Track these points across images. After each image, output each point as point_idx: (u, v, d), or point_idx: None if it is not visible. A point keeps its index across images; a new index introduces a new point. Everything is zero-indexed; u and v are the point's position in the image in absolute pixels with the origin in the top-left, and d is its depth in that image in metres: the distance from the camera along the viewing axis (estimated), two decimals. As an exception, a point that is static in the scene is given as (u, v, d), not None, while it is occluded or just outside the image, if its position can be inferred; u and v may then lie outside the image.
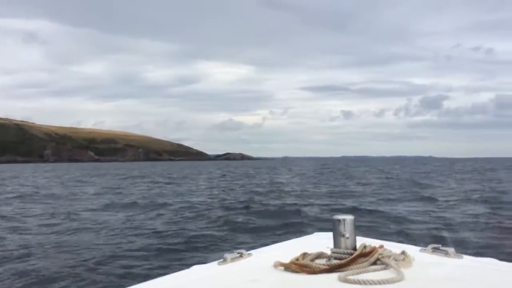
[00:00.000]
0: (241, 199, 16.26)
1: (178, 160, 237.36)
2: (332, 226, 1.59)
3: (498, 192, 19.00)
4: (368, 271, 1.46)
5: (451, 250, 1.65)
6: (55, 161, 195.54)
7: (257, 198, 17.09)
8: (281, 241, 2.16)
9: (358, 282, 1.35)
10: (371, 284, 1.34)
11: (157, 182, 30.70)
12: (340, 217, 1.57)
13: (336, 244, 1.58)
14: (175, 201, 16.65)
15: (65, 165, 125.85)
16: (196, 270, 1.68)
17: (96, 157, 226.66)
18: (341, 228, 1.56)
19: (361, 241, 1.61)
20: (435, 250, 1.69)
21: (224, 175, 41.71)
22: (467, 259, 1.60)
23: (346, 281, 1.38)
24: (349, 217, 1.57)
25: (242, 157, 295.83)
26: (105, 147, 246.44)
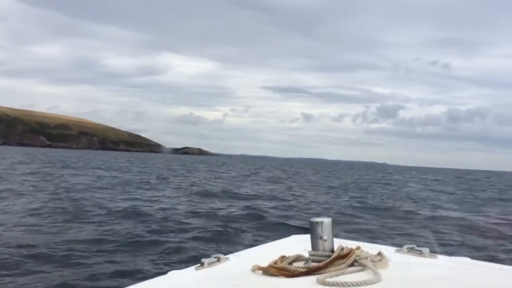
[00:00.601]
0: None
1: (135, 151, 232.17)
2: (309, 229, 1.57)
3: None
4: (346, 273, 1.46)
5: (425, 250, 1.67)
6: (3, 144, 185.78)
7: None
8: (258, 244, 2.13)
9: (337, 285, 1.35)
10: (349, 286, 1.34)
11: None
12: (318, 219, 1.55)
13: (314, 246, 1.56)
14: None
15: (14, 149, 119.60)
16: (173, 275, 1.62)
17: (48, 142, 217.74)
18: (319, 230, 1.54)
19: (338, 243, 1.60)
20: (410, 250, 1.71)
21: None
22: (442, 259, 1.63)
23: (324, 283, 1.37)
24: (326, 220, 1.55)
25: (201, 152, 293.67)
26: (58, 133, 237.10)
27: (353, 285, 1.34)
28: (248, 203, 14.35)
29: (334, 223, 1.58)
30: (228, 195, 17.42)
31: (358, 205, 15.85)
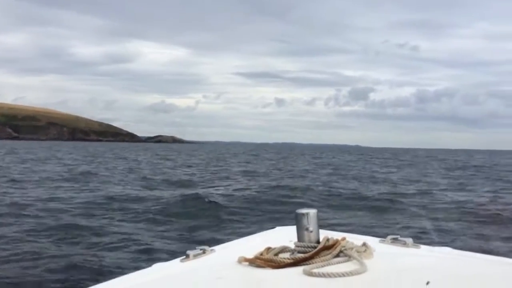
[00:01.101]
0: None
1: (106, 141, 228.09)
2: (295, 220, 1.56)
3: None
4: (332, 264, 1.45)
5: (409, 240, 1.69)
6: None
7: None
8: (243, 236, 2.12)
9: (323, 275, 1.35)
10: (335, 276, 1.34)
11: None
12: (304, 211, 1.55)
13: (300, 237, 1.56)
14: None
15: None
16: (158, 268, 1.61)
17: (15, 134, 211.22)
18: (305, 221, 1.53)
19: (324, 234, 1.59)
20: (394, 240, 1.73)
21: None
22: (425, 249, 1.65)
23: (310, 274, 1.37)
24: (312, 211, 1.55)
25: (174, 140, 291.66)
26: (25, 124, 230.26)
27: (339, 276, 1.34)
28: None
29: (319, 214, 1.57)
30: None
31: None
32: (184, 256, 1.67)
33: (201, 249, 1.73)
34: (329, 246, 1.53)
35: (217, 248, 1.82)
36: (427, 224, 9.26)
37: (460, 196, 14.27)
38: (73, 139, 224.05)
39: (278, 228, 2.18)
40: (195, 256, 1.68)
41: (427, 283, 1.23)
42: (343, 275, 1.34)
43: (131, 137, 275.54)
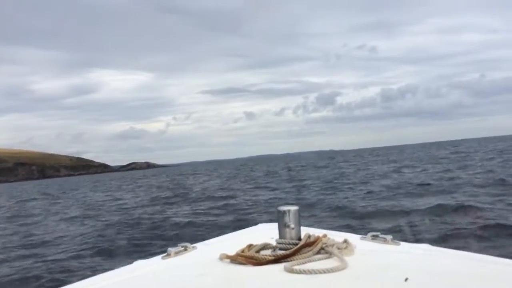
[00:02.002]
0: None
1: (78, 174, 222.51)
2: (276, 217, 1.59)
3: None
4: (313, 260, 1.48)
5: (389, 237, 1.72)
6: None
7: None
8: (225, 233, 2.14)
9: (304, 272, 1.37)
10: (316, 273, 1.36)
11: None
12: (285, 208, 1.58)
13: (281, 234, 1.59)
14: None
15: None
16: (139, 265, 1.62)
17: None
18: (286, 218, 1.56)
19: (305, 231, 1.63)
20: (375, 237, 1.76)
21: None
22: (404, 246, 1.68)
23: (292, 271, 1.39)
24: (293, 208, 1.58)
25: (148, 165, 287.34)
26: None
27: (320, 272, 1.36)
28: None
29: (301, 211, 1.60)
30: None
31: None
32: (166, 253, 1.68)
33: (182, 246, 1.75)
34: (310, 243, 1.57)
35: (198, 245, 1.84)
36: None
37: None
38: (44, 177, 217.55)
39: (260, 225, 2.21)
40: (177, 253, 1.70)
41: (406, 279, 1.27)
42: (324, 271, 1.37)
43: (103, 168, 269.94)
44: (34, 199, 29.73)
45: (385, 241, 1.72)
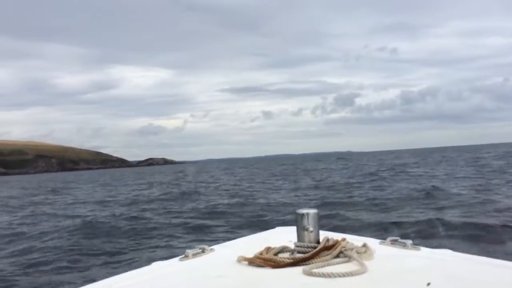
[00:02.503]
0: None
1: (97, 168, 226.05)
2: (295, 220, 1.59)
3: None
4: (332, 264, 1.47)
5: (408, 242, 1.69)
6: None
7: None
8: (243, 236, 2.14)
9: (323, 275, 1.36)
10: (335, 276, 1.35)
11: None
12: (304, 211, 1.57)
13: (300, 238, 1.58)
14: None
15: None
16: (157, 266, 1.63)
17: (3, 170, 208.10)
18: (305, 222, 1.55)
19: (323, 234, 1.61)
20: (394, 242, 1.73)
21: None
22: (425, 251, 1.65)
23: (311, 274, 1.38)
24: (312, 211, 1.57)
25: (165, 161, 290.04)
26: (13, 159, 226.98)
27: (339, 276, 1.35)
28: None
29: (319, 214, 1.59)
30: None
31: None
32: (183, 255, 1.69)
33: (200, 248, 1.75)
34: (329, 247, 1.55)
35: (216, 247, 1.84)
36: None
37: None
38: (63, 169, 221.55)
39: (278, 228, 2.20)
40: (194, 255, 1.71)
41: (428, 284, 1.24)
42: (343, 275, 1.35)
43: (121, 163, 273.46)
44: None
45: (405, 246, 1.69)
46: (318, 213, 1.58)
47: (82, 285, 1.47)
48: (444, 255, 1.60)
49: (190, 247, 1.76)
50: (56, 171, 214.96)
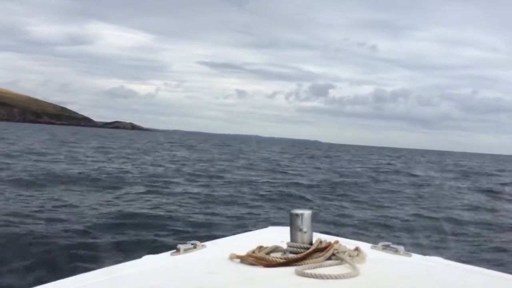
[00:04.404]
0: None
1: (60, 124, 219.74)
2: (289, 220, 1.56)
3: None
4: (324, 266, 1.46)
5: (400, 248, 1.70)
6: None
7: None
8: (235, 233, 2.13)
9: (315, 276, 1.35)
10: (327, 278, 1.34)
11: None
12: (298, 211, 1.54)
13: (293, 238, 1.55)
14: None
15: None
16: (148, 260, 1.60)
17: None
18: (299, 222, 1.53)
19: (316, 236, 1.59)
20: (386, 247, 1.74)
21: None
22: (416, 257, 1.67)
23: (303, 274, 1.37)
24: (307, 212, 1.54)
25: (133, 126, 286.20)
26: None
27: (331, 278, 1.34)
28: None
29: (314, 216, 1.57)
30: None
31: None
32: (175, 250, 1.66)
33: (192, 244, 1.73)
34: (322, 249, 1.53)
35: (208, 243, 1.81)
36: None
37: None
38: (24, 120, 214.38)
39: (270, 228, 2.20)
40: (186, 250, 1.68)
41: None
42: (335, 277, 1.34)
43: (87, 122, 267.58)
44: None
45: (396, 251, 1.70)
46: (312, 214, 1.56)
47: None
48: (435, 262, 1.62)
49: (182, 242, 1.72)
50: (17, 121, 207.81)
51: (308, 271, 1.38)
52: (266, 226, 2.23)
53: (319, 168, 26.20)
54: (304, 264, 1.45)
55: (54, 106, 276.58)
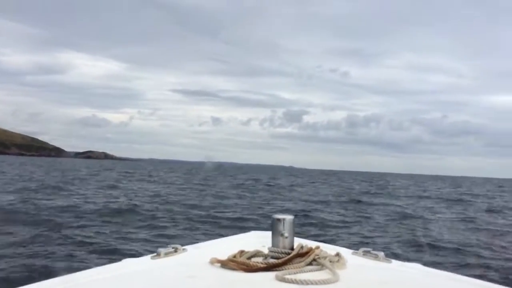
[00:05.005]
0: None
1: (30, 155, 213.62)
2: (271, 225, 1.56)
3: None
4: (305, 271, 1.46)
5: (380, 254, 1.72)
6: None
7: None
8: (217, 237, 2.12)
9: (296, 282, 1.34)
10: (308, 284, 1.34)
11: None
12: (280, 216, 1.55)
13: (274, 243, 1.55)
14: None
15: None
16: (128, 263, 1.59)
17: None
18: (281, 227, 1.53)
19: (298, 241, 1.60)
20: (366, 253, 1.76)
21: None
22: (396, 264, 1.68)
23: (283, 280, 1.36)
24: (289, 217, 1.55)
25: (106, 156, 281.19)
26: None
27: (312, 284, 1.34)
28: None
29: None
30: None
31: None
32: (155, 254, 1.65)
33: (172, 247, 1.72)
34: (303, 254, 1.54)
35: (189, 247, 1.81)
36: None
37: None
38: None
39: (252, 232, 2.20)
40: (166, 254, 1.67)
41: None
42: (315, 283, 1.34)
43: (58, 152, 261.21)
44: None
45: (376, 257, 1.71)
46: (294, 220, 1.56)
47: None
48: (415, 269, 1.64)
49: (163, 245, 1.71)
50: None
51: (289, 277, 1.38)
52: (248, 230, 2.23)
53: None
54: (285, 269, 1.45)
55: (24, 137, 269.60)
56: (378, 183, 44.50)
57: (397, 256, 1.82)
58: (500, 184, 67.86)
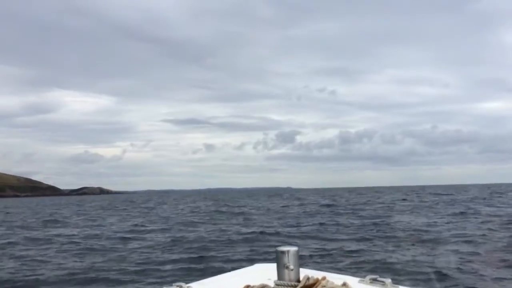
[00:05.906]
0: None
1: (25, 196, 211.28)
2: (275, 257, 1.53)
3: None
4: None
5: (388, 281, 1.68)
6: None
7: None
8: (221, 272, 2.06)
9: None
10: None
11: None
12: (284, 248, 1.52)
13: (280, 276, 1.52)
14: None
15: None
16: None
17: None
18: (285, 259, 1.51)
19: (304, 272, 1.56)
20: (373, 281, 1.72)
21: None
22: None
23: None
24: (293, 249, 1.53)
25: (101, 191, 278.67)
26: None
27: None
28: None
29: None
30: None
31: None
32: None
33: (177, 286, 1.67)
34: (310, 285, 1.51)
35: (193, 285, 1.77)
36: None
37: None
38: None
39: (257, 265, 2.15)
40: None
41: None
42: None
43: (53, 191, 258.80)
44: None
45: (384, 284, 1.68)
46: (298, 251, 1.54)
47: None
48: None
49: (167, 284, 1.66)
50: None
51: None
52: (252, 264, 2.18)
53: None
54: None
55: (18, 178, 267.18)
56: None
57: (404, 282, 1.77)
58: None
